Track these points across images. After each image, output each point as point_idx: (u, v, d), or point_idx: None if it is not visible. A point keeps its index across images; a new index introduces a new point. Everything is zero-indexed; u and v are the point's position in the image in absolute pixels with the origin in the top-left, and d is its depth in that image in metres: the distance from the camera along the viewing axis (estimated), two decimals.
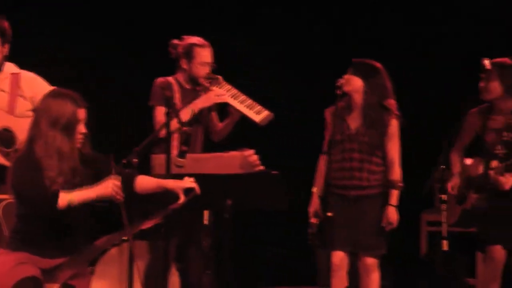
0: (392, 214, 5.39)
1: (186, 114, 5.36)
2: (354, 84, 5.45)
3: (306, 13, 7.82)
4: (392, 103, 5.49)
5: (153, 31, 7.13)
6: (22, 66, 5.30)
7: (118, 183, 4.15)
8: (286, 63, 7.60)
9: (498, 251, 5.42)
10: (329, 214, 5.37)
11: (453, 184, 5.62)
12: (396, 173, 5.44)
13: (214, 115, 5.71)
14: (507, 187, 5.30)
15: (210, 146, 5.67)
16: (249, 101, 5.57)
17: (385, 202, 5.42)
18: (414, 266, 7.26)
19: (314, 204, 5.51)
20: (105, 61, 7.24)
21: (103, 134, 5.42)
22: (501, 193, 5.38)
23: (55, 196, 4.07)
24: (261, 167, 5.05)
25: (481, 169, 5.47)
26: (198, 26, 6.47)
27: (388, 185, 5.43)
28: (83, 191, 4.14)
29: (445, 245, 5.23)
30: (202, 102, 5.51)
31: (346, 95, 5.48)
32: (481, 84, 5.51)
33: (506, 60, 5.52)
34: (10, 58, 5.24)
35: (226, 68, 5.66)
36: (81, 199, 4.13)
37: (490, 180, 5.37)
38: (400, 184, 5.43)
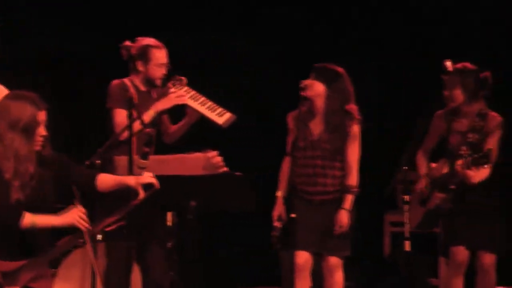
0: (344, 218, 5.41)
1: (148, 116, 5.32)
2: (316, 89, 5.46)
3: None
4: (353, 107, 5.51)
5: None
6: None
7: (82, 213, 4.15)
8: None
9: (461, 252, 5.46)
10: (293, 215, 5.38)
11: (421, 186, 5.65)
12: (353, 178, 5.47)
13: (165, 117, 5.65)
14: (474, 180, 5.33)
15: (173, 148, 5.64)
16: (210, 103, 5.51)
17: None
18: (378, 266, 7.29)
19: (278, 208, 5.52)
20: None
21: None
22: (467, 191, 5.42)
23: (18, 213, 4.05)
24: (225, 169, 5.03)
25: (446, 170, 5.50)
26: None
27: (344, 189, 5.45)
28: (48, 218, 4.14)
29: (407, 245, 5.26)
30: (163, 104, 5.44)
31: (308, 99, 5.49)
32: (445, 93, 5.55)
33: (466, 64, 5.55)
34: None
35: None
36: (44, 224, 4.13)
37: (457, 177, 5.39)
38: (355, 190, 5.46)
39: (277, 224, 5.48)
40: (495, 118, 5.51)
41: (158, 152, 5.28)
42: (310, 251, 5.44)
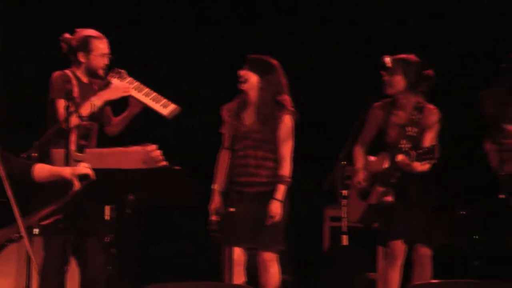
0: (276, 208, 5.43)
1: (86, 108, 5.26)
2: (250, 80, 5.48)
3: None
4: (286, 99, 5.53)
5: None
6: None
7: None
8: None
9: (399, 245, 5.50)
10: (231, 209, 5.36)
11: (359, 178, 5.67)
12: (285, 168, 5.49)
13: (108, 109, 5.59)
14: (417, 169, 5.37)
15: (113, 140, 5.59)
16: (154, 94, 5.49)
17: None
18: (317, 260, 7.31)
19: (215, 201, 5.51)
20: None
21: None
22: (406, 185, 5.47)
23: None
24: (164, 162, 4.99)
25: (386, 164, 5.52)
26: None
27: (276, 179, 5.45)
28: None
29: (345, 240, 5.27)
30: (107, 95, 5.39)
31: (243, 91, 5.50)
32: (385, 78, 5.57)
33: (411, 56, 5.59)
34: None
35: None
36: None
37: (398, 171, 5.43)
38: (288, 180, 5.47)
39: (214, 218, 5.46)
40: (432, 111, 5.56)
41: (103, 145, 5.25)
42: (245, 247, 5.44)
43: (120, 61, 5.51)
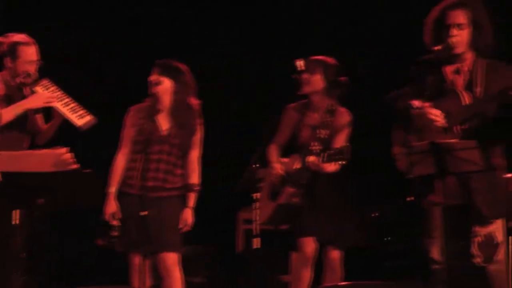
0: (189, 216, 5.46)
1: (7, 114, 5.22)
2: (164, 84, 5.45)
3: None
4: (197, 103, 5.52)
5: None
6: None
7: None
8: None
9: (310, 244, 5.53)
10: (143, 213, 5.28)
11: (276, 170, 5.67)
12: (196, 176, 5.51)
13: (39, 117, 5.57)
14: (327, 169, 5.40)
15: None
16: (73, 104, 5.48)
17: (183, 202, 5.48)
18: (231, 263, 7.31)
19: (111, 206, 5.44)
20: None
21: None
22: (316, 186, 5.51)
23: None
24: (75, 166, 4.92)
25: (297, 165, 5.55)
26: None
27: (187, 187, 5.46)
28: None
29: (256, 243, 5.27)
30: (28, 104, 5.39)
31: (153, 95, 5.46)
32: (304, 76, 5.59)
33: (330, 58, 5.64)
34: None
35: None
36: None
37: (308, 172, 5.46)
38: (197, 188, 5.49)
39: (115, 222, 5.39)
40: (344, 114, 5.62)
41: None
42: (146, 252, 5.39)
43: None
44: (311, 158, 5.39)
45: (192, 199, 5.48)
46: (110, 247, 5.38)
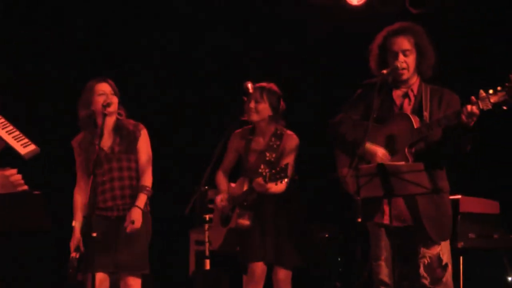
0: (136, 214, 5.34)
1: None
2: (114, 105, 5.42)
3: None
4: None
5: None
6: None
7: None
8: None
9: (259, 267, 5.50)
10: (94, 234, 5.21)
11: (221, 197, 5.66)
12: (147, 179, 5.45)
13: None
14: (272, 190, 5.37)
15: None
16: (17, 133, 5.38)
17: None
18: (183, 284, 7.26)
19: (75, 238, 5.38)
20: None
21: None
22: (262, 208, 5.49)
23: None
24: (25, 187, 4.84)
25: (245, 187, 5.54)
26: None
27: (138, 189, 5.41)
28: None
29: (207, 264, 5.24)
30: None
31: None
32: (250, 105, 5.59)
33: (271, 85, 5.65)
34: None
35: None
36: None
37: (254, 193, 5.44)
38: (149, 189, 5.43)
39: (74, 254, 5.31)
40: (291, 137, 5.62)
41: None
42: (107, 272, 5.33)
43: None
44: (258, 179, 5.38)
45: (142, 199, 5.38)
46: (71, 280, 5.30)
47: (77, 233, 5.39)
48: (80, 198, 5.45)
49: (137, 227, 5.32)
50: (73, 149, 5.52)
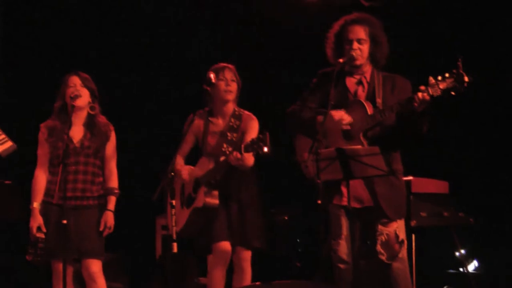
0: (110, 219, 5.35)
1: None
2: (84, 97, 5.36)
3: None
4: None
5: None
6: None
7: None
8: None
9: (224, 247, 5.45)
10: (64, 221, 5.12)
11: (188, 171, 5.58)
12: (114, 181, 5.43)
13: None
14: (250, 162, 5.31)
15: None
16: None
17: (104, 208, 5.37)
18: (150, 268, 7.22)
19: (35, 220, 5.27)
20: None
21: None
22: (227, 186, 5.44)
23: None
24: None
25: (211, 165, 5.45)
26: None
27: (107, 192, 5.38)
28: None
29: (175, 247, 5.18)
30: None
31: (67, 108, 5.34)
32: (229, 88, 5.51)
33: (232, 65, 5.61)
34: None
35: None
36: None
37: (221, 170, 5.38)
38: (117, 191, 5.41)
39: (40, 235, 5.23)
40: (250, 117, 5.57)
41: None
42: (69, 259, 5.27)
43: None
44: (222, 158, 5.31)
45: (112, 202, 5.38)
46: (36, 262, 5.21)
47: (37, 215, 5.28)
48: (42, 181, 5.34)
49: (111, 231, 5.33)
50: (40, 131, 5.41)
